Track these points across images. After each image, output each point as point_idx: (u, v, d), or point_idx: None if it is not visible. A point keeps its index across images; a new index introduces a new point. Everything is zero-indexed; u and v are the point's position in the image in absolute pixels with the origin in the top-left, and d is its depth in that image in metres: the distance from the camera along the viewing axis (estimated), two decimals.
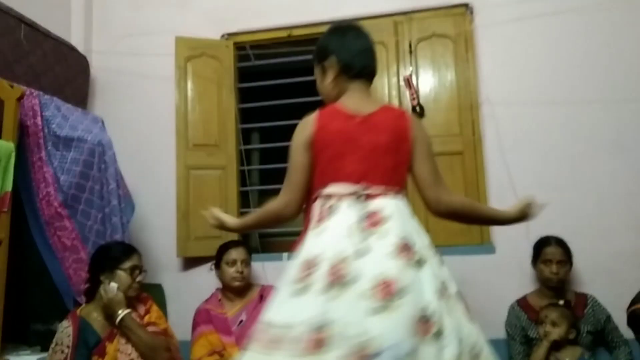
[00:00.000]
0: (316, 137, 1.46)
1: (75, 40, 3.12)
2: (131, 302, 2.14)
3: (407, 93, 2.87)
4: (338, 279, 1.25)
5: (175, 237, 2.91)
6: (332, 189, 1.42)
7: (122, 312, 2.05)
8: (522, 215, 1.54)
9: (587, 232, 2.56)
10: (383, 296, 1.22)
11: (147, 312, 2.19)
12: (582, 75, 2.71)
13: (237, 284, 2.52)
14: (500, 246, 2.70)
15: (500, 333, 2.45)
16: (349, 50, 1.53)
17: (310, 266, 1.30)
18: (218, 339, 2.44)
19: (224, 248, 2.58)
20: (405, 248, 1.30)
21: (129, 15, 3.29)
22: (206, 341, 2.44)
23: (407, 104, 2.85)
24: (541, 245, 2.44)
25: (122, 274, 2.12)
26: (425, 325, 1.22)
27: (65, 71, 2.85)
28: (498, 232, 2.69)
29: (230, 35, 3.17)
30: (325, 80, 1.55)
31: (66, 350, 2.02)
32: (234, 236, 2.76)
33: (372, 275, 1.24)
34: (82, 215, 2.44)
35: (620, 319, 2.23)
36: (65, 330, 2.06)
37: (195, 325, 2.51)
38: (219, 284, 2.63)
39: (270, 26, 3.12)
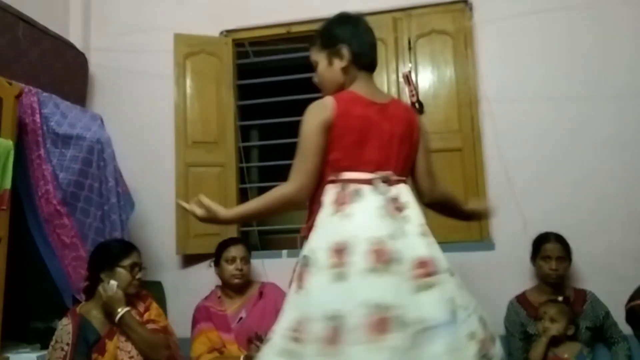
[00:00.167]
0: (337, 121, 1.44)
1: (74, 37, 3.11)
2: (131, 300, 2.15)
3: (406, 89, 2.86)
4: (382, 260, 1.28)
5: (174, 235, 2.90)
6: (352, 174, 1.43)
7: (121, 310, 2.05)
8: (479, 218, 1.89)
9: (586, 228, 2.57)
10: (424, 275, 1.30)
11: (147, 309, 2.19)
12: (581, 71, 2.71)
13: (236, 281, 2.52)
14: (499, 242, 2.70)
15: (499, 329, 2.44)
16: (361, 41, 1.55)
17: (342, 249, 1.31)
18: (218, 336, 2.44)
19: (224, 245, 2.58)
20: (427, 232, 1.41)
21: (128, 12, 3.28)
22: (206, 338, 2.44)
23: (407, 100, 2.84)
24: (540, 241, 2.44)
25: (121, 272, 2.12)
26: (452, 304, 1.31)
27: (63, 69, 2.84)
28: (497, 229, 2.69)
29: (229, 32, 3.16)
30: (334, 66, 1.55)
31: (66, 348, 2.02)
32: (234, 233, 2.76)
33: (412, 256, 1.31)
34: (81, 212, 2.44)
35: (619, 315, 2.23)
36: (65, 328, 2.07)
37: (194, 322, 2.52)
38: (218, 281, 2.62)
39: (269, 23, 3.11)
